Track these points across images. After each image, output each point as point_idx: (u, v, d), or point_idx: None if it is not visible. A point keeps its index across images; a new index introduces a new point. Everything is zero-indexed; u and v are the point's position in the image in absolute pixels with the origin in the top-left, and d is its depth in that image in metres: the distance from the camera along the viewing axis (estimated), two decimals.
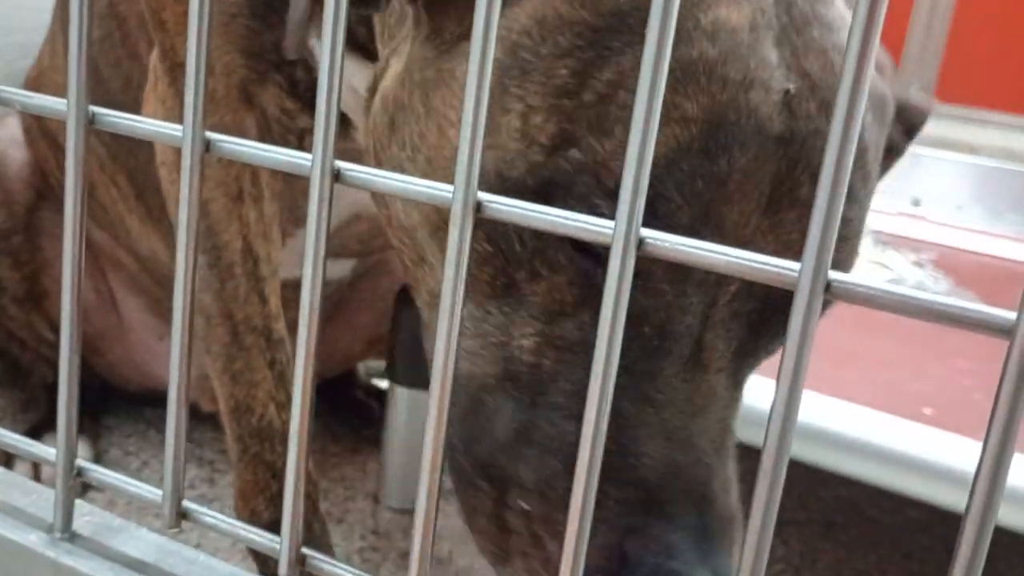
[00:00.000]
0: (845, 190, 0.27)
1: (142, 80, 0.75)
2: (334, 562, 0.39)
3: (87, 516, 0.44)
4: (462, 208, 0.33)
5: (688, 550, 0.37)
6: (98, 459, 0.93)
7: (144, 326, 0.95)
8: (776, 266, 0.29)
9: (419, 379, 0.86)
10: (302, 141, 0.64)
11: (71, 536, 0.43)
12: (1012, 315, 0.26)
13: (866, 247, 1.26)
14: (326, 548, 0.68)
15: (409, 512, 0.90)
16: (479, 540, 0.42)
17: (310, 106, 0.62)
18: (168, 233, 0.82)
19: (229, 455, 0.69)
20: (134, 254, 0.89)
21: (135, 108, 0.76)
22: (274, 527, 0.64)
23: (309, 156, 0.35)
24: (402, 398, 0.87)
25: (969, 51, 3.19)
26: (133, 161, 0.81)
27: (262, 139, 0.63)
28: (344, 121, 0.63)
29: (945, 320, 0.27)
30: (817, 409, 0.74)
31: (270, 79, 0.61)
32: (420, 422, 0.86)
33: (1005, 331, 0.26)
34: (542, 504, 0.39)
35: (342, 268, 0.89)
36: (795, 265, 0.29)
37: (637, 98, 0.29)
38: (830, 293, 0.29)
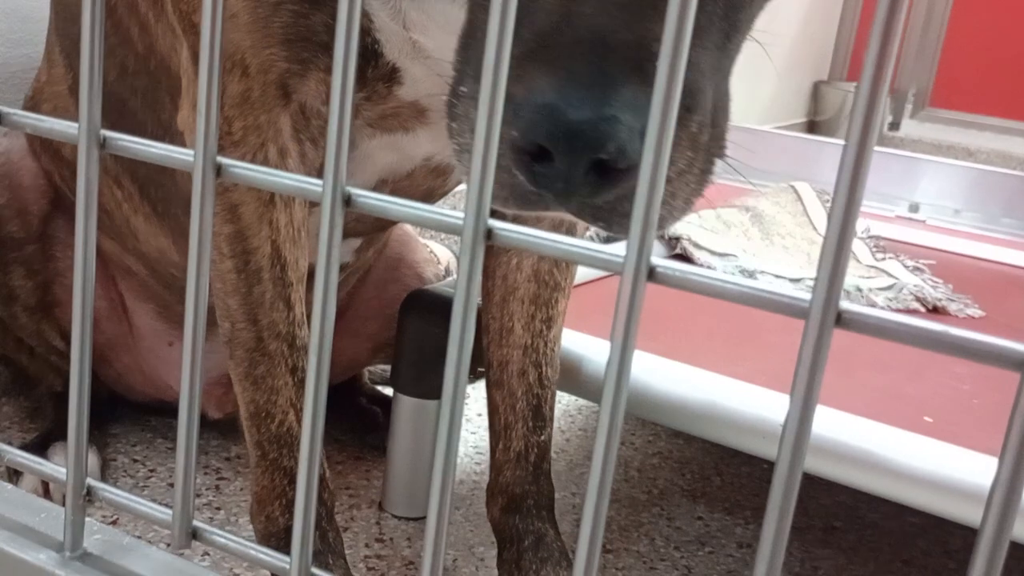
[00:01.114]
0: (855, 227, 0.27)
1: (136, 67, 0.75)
2: None
3: (97, 535, 0.44)
4: (473, 235, 0.33)
5: (572, 91, 0.37)
6: (104, 467, 0.93)
7: (154, 332, 0.95)
8: (787, 296, 0.29)
9: (423, 388, 0.86)
10: None
11: (81, 555, 0.43)
12: (1023, 348, 0.26)
13: (864, 253, 1.26)
14: (339, 557, 0.68)
15: (413, 520, 0.90)
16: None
17: (361, 79, 0.60)
18: (175, 229, 0.82)
19: (249, 460, 0.69)
20: (143, 258, 0.89)
21: (131, 97, 0.76)
22: (289, 533, 0.64)
23: (319, 182, 0.35)
24: (406, 407, 0.87)
25: (964, 58, 3.21)
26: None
27: (296, 136, 0.62)
28: (392, 76, 0.62)
29: (957, 352, 0.27)
30: (818, 418, 0.74)
31: (314, 66, 0.60)
32: (424, 431, 0.87)
33: (1016, 364, 0.26)
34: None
35: (345, 251, 0.88)
36: (806, 295, 0.29)
37: (649, 128, 0.29)
38: (841, 323, 0.29)
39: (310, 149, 0.63)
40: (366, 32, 0.60)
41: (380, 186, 0.72)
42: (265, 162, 0.61)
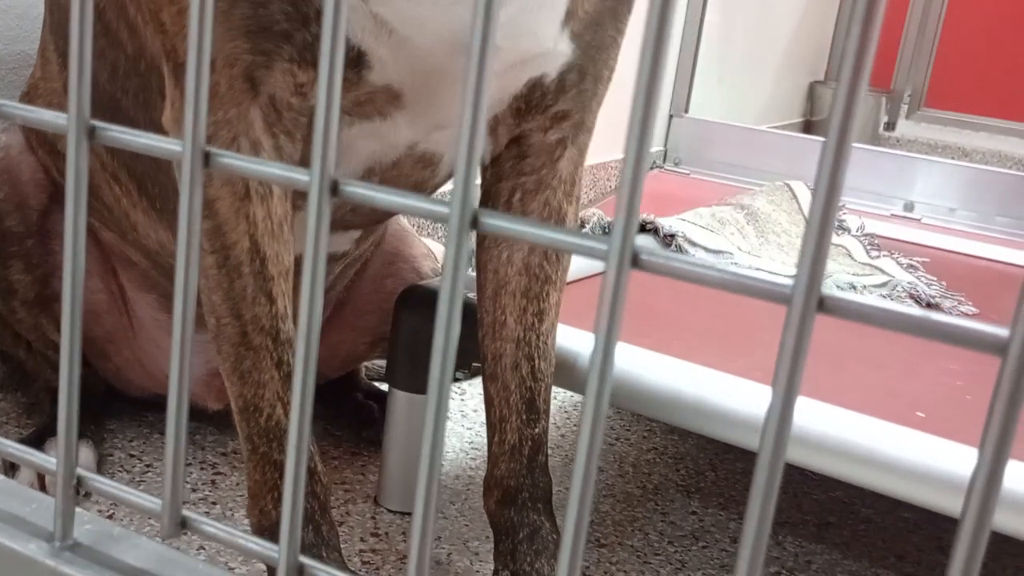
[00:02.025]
0: (838, 207, 0.28)
1: (127, 68, 0.75)
2: (332, 570, 0.40)
3: (87, 525, 0.44)
4: (459, 222, 0.33)
5: None
6: (101, 462, 0.93)
7: (155, 323, 0.95)
8: (769, 282, 0.30)
9: (418, 383, 0.86)
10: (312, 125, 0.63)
11: (72, 545, 0.43)
12: (1005, 332, 0.26)
13: (859, 250, 1.26)
14: (334, 550, 0.68)
15: (408, 515, 0.90)
16: None
17: None
18: (173, 224, 0.82)
19: (242, 454, 0.69)
20: (143, 250, 0.89)
21: (123, 96, 0.76)
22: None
23: (307, 170, 0.35)
24: (401, 402, 0.87)
25: (959, 59, 3.22)
26: (129, 153, 0.81)
27: (269, 130, 0.62)
28: (359, 61, 0.62)
29: (938, 336, 0.28)
30: (811, 413, 0.74)
31: (279, 56, 0.60)
32: (419, 426, 0.87)
33: (998, 348, 0.26)
34: None
35: (345, 241, 0.88)
36: (788, 281, 0.29)
37: (630, 118, 0.29)
38: (823, 309, 0.29)
39: (286, 143, 0.63)
40: None
41: (368, 176, 0.71)
42: None
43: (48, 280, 0.91)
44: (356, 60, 0.62)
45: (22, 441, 0.90)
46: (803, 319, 0.28)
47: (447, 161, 0.73)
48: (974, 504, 0.28)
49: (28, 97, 0.88)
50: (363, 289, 1.00)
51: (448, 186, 1.45)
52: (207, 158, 0.37)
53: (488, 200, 0.75)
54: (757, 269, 1.16)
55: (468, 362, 0.90)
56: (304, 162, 0.64)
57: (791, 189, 1.46)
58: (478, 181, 0.76)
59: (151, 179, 0.81)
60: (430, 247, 1.29)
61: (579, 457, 0.32)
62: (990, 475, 0.27)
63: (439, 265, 1.08)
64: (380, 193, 0.36)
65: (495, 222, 0.33)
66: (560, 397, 1.23)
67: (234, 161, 0.37)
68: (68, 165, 0.39)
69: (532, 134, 0.71)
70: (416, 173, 0.73)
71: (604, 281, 0.31)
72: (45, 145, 0.89)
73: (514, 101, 0.68)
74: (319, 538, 0.67)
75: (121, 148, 0.39)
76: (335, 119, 0.35)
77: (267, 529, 0.68)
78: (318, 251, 0.36)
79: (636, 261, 0.31)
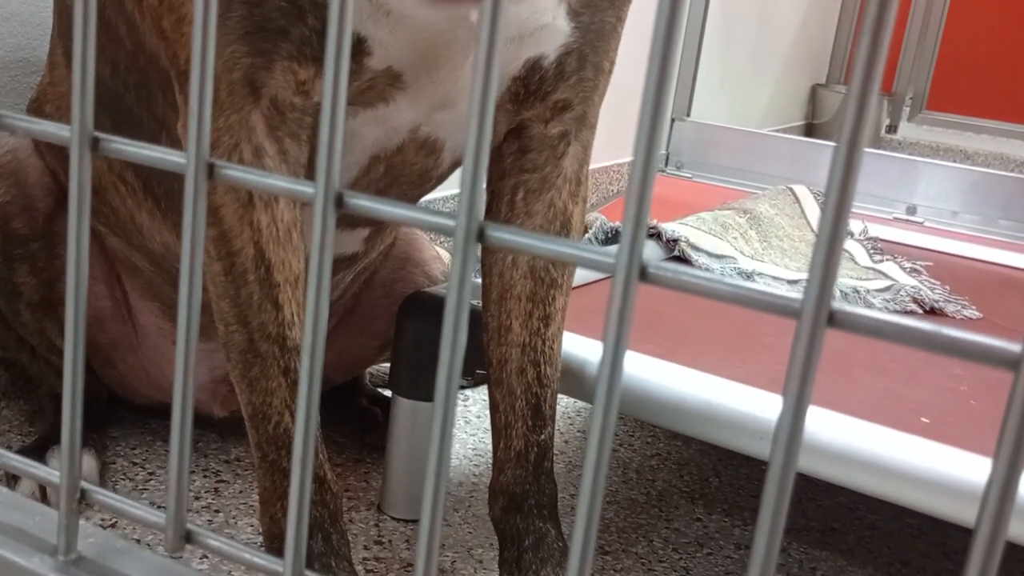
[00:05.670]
0: (847, 223, 0.27)
1: (127, 64, 0.75)
2: None
3: (91, 538, 0.44)
4: (465, 235, 0.33)
5: None
6: (104, 470, 0.93)
7: (158, 331, 0.94)
8: (779, 296, 0.29)
9: (421, 391, 0.86)
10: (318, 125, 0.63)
11: (76, 559, 0.43)
12: (1017, 347, 0.26)
13: (862, 255, 1.26)
14: (343, 559, 0.67)
15: (412, 522, 0.90)
16: None
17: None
18: (179, 224, 0.82)
19: (253, 461, 0.69)
20: (148, 255, 0.89)
21: (126, 92, 0.76)
22: None
23: (312, 183, 0.35)
24: (404, 409, 0.87)
25: (961, 61, 3.22)
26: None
27: (273, 134, 0.61)
28: (360, 48, 0.61)
29: (950, 351, 0.27)
30: (816, 420, 0.74)
31: (276, 55, 0.59)
32: (422, 433, 0.87)
33: (1011, 363, 0.26)
34: None
35: (354, 240, 0.87)
36: (798, 296, 0.29)
37: (637, 132, 0.29)
38: (834, 323, 0.29)
39: (292, 146, 0.62)
40: (323, 6, 0.58)
41: (373, 163, 0.71)
42: (240, 163, 0.60)
43: (53, 284, 0.91)
44: (356, 48, 0.61)
45: (25, 449, 0.90)
46: (813, 334, 0.28)
47: (450, 148, 0.72)
48: (987, 518, 0.28)
49: (37, 103, 0.88)
50: (373, 293, 1.00)
51: (453, 189, 1.45)
52: (211, 170, 0.37)
53: (491, 200, 0.74)
54: (760, 274, 1.16)
55: (472, 370, 0.89)
56: (311, 164, 0.64)
57: (794, 193, 1.46)
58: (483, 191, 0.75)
59: (156, 179, 0.81)
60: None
61: (587, 470, 0.32)
62: (1004, 489, 0.27)
63: (448, 268, 1.08)
64: (385, 206, 0.35)
65: (502, 235, 0.32)
66: (563, 403, 1.22)
67: (238, 173, 0.37)
68: (71, 177, 0.38)
69: (532, 125, 0.70)
70: (420, 160, 0.72)
71: (612, 295, 0.31)
72: (53, 150, 0.89)
73: (513, 84, 0.67)
74: (328, 547, 0.66)
75: (125, 160, 0.39)
76: (339, 132, 0.34)
77: (277, 536, 0.68)
78: (323, 265, 0.36)
79: (644, 274, 0.31)
